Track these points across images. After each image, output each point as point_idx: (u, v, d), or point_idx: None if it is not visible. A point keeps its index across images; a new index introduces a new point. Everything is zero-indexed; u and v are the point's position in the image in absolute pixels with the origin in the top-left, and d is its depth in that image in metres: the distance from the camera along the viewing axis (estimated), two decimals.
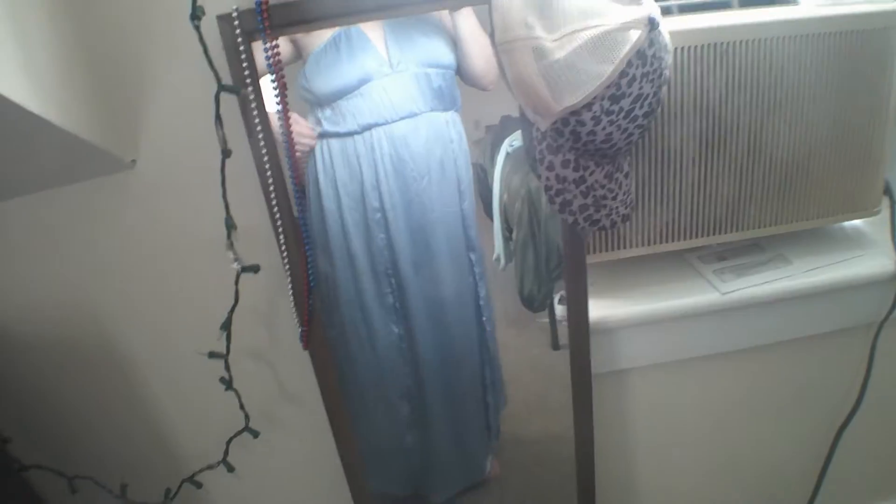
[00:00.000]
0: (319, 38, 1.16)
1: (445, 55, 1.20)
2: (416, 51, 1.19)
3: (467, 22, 1.17)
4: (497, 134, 1.40)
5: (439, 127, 1.23)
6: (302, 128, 1.17)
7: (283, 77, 1.00)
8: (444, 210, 1.27)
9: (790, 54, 1.14)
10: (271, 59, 0.98)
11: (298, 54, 1.17)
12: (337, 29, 1.16)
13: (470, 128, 1.28)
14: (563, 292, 1.44)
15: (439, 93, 1.21)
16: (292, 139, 1.05)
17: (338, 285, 1.29)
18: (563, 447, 1.41)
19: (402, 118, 1.20)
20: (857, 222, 1.44)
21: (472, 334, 1.40)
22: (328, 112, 1.19)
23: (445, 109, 1.23)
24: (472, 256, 1.33)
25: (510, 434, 1.55)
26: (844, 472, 1.60)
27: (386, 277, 1.29)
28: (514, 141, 1.37)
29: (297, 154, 1.12)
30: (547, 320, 1.55)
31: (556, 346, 1.55)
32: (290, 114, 1.07)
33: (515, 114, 1.07)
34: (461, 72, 1.22)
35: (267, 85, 1.03)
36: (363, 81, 1.17)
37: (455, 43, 1.20)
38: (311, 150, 1.21)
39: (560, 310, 1.48)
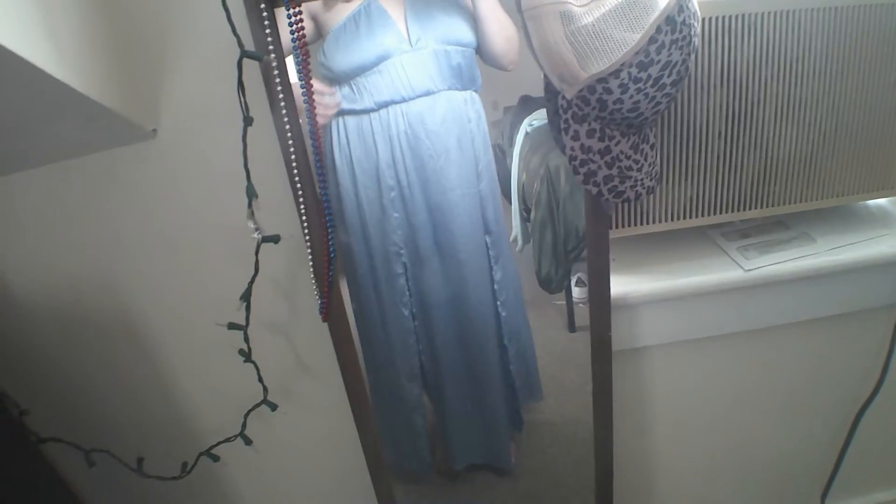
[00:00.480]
0: (339, 15, 1.15)
1: (465, 33, 1.19)
2: (437, 28, 1.18)
3: (486, 1, 1.16)
4: (516, 114, 1.39)
5: (457, 106, 1.22)
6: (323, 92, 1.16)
7: (305, 44, 0.99)
8: (462, 190, 1.26)
9: (819, 26, 1.13)
10: (294, 26, 0.97)
11: (319, 33, 1.17)
12: (358, 5, 1.15)
13: (488, 108, 1.28)
14: (580, 274, 1.43)
15: (458, 71, 1.20)
16: (314, 108, 1.05)
17: (355, 260, 1.29)
18: (578, 429, 1.41)
19: (419, 96, 1.19)
20: (881, 201, 1.43)
21: (488, 319, 1.39)
22: (346, 89, 1.19)
23: (464, 88, 1.23)
24: (488, 239, 1.32)
25: (526, 416, 1.55)
26: (864, 453, 1.59)
27: (397, 258, 1.29)
28: (532, 121, 1.36)
29: (321, 121, 1.11)
30: (564, 302, 1.54)
31: (572, 328, 1.55)
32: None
33: (534, 94, 1.06)
34: (481, 51, 1.22)
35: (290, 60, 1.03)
36: (382, 58, 1.17)
37: (475, 22, 1.19)
38: (335, 112, 1.20)
39: (577, 291, 1.48)
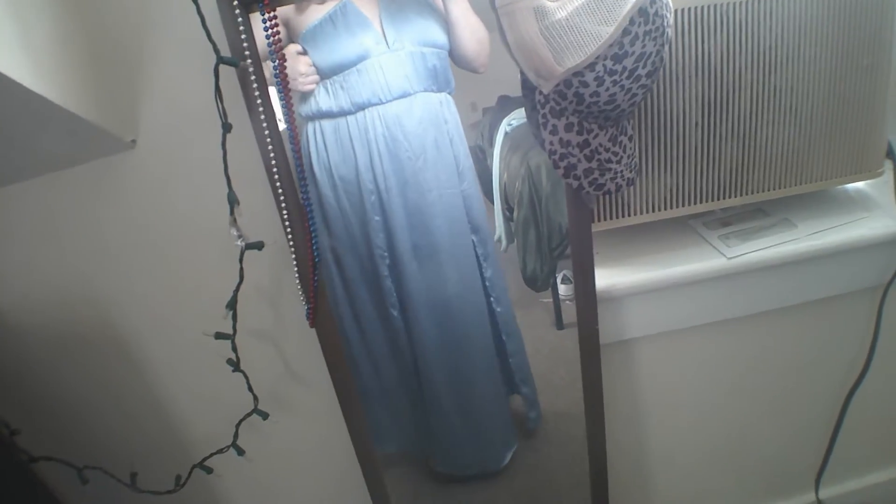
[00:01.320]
0: (312, 18, 1.15)
1: (440, 35, 1.20)
2: (412, 30, 1.18)
3: (458, 4, 1.17)
4: (494, 115, 1.39)
5: (433, 107, 1.23)
6: (300, 65, 1.16)
7: (281, 48, 0.99)
8: (443, 191, 1.26)
9: (790, 13, 1.14)
10: (270, 31, 0.97)
11: (290, 38, 1.17)
12: (332, 7, 1.15)
13: (466, 110, 1.28)
14: (565, 271, 1.44)
15: (433, 73, 1.21)
16: (290, 102, 1.04)
17: (342, 262, 1.29)
18: (570, 424, 1.41)
19: (396, 98, 1.19)
20: (860, 184, 1.43)
21: (481, 318, 1.39)
22: (321, 89, 1.19)
23: (439, 90, 1.23)
24: (475, 238, 1.32)
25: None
26: (856, 435, 1.60)
27: (382, 260, 1.29)
28: (512, 120, 1.36)
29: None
30: (550, 300, 1.54)
31: (560, 325, 1.55)
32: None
33: (512, 94, 1.06)
34: (453, 54, 1.22)
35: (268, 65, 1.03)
36: (362, 58, 1.17)
37: (446, 25, 1.20)
38: (313, 88, 1.20)
39: (563, 288, 1.48)
